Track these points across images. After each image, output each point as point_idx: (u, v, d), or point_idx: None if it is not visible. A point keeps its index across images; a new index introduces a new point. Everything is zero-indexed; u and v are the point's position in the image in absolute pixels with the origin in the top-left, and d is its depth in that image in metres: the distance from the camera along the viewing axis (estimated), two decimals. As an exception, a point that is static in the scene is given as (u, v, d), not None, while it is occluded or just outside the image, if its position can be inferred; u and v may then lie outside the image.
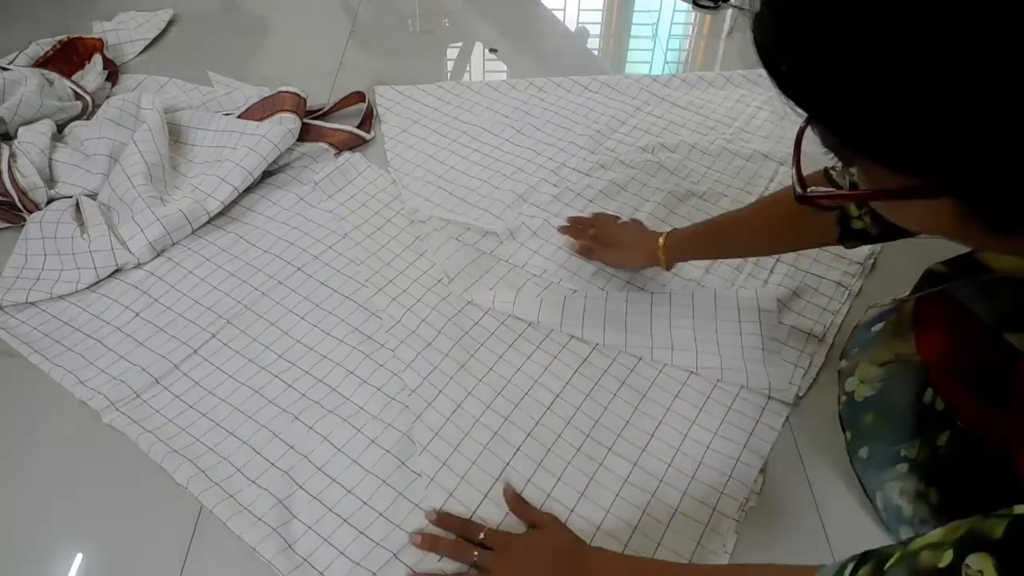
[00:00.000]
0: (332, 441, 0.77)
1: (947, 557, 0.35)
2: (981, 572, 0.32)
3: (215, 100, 1.27)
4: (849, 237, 0.72)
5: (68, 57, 1.34)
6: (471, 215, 1.06)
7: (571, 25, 1.68)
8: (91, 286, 0.94)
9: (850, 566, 0.40)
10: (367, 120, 1.25)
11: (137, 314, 0.91)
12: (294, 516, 0.71)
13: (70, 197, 1.05)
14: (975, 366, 0.63)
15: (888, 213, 0.38)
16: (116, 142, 1.07)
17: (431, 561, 0.68)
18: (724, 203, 1.10)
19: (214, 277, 0.95)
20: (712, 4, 1.70)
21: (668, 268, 0.90)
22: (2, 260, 0.98)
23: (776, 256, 0.99)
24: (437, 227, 1.04)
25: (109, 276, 0.95)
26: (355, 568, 0.67)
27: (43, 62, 1.32)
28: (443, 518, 0.70)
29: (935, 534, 0.37)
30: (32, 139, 1.08)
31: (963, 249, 0.63)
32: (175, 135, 1.17)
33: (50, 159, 1.08)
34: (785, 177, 1.15)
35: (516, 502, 0.72)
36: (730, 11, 1.69)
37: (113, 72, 1.34)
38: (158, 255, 0.98)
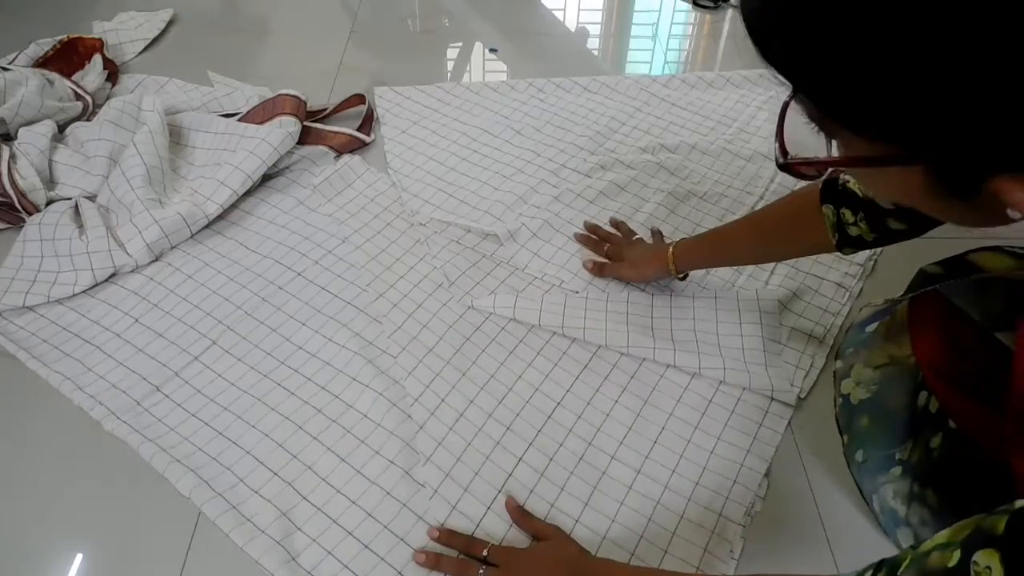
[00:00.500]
0: (336, 451, 0.76)
1: (955, 557, 0.35)
2: (989, 568, 0.33)
3: (215, 100, 1.25)
4: (846, 244, 0.71)
5: (68, 57, 1.32)
6: (471, 217, 1.05)
7: (571, 25, 1.67)
8: (89, 290, 0.93)
9: (867, 574, 0.40)
10: (367, 122, 1.23)
11: (136, 320, 0.89)
12: (298, 528, 0.70)
13: (69, 199, 1.03)
14: (968, 366, 0.63)
15: (865, 182, 0.40)
16: (116, 144, 1.06)
17: None
18: (724, 203, 1.10)
19: (214, 282, 0.94)
20: (712, 4, 1.69)
21: (680, 277, 0.91)
22: (1, 261, 0.97)
23: (776, 258, 0.98)
24: (437, 230, 1.03)
25: (108, 281, 0.94)
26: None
27: (43, 62, 1.30)
28: (446, 535, 0.68)
29: (943, 535, 0.37)
30: (32, 140, 1.07)
31: (957, 250, 0.64)
32: (175, 137, 1.15)
33: (50, 160, 1.07)
34: (786, 178, 1.14)
35: (519, 514, 0.71)
36: (730, 11, 1.68)
37: (113, 72, 1.33)
38: (156, 259, 0.97)
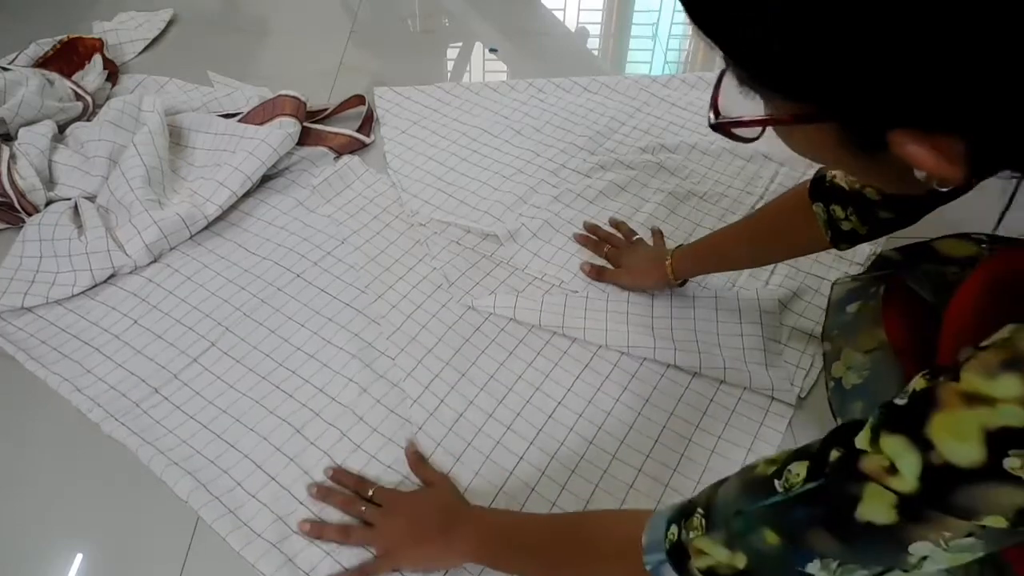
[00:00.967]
0: (333, 455, 0.75)
1: (774, 468, 0.44)
2: (798, 474, 0.42)
3: (215, 100, 1.25)
4: (841, 240, 0.72)
5: (68, 57, 1.31)
6: (471, 217, 1.04)
7: (571, 25, 1.67)
8: (88, 292, 0.92)
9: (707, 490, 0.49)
10: (367, 123, 1.22)
11: (135, 321, 0.89)
12: (294, 531, 0.69)
13: (68, 199, 1.03)
14: (927, 347, 0.63)
15: (789, 143, 0.42)
16: (116, 144, 1.05)
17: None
18: (724, 203, 1.09)
19: (213, 284, 0.93)
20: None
21: (679, 284, 0.91)
22: (0, 261, 0.96)
23: (777, 258, 0.98)
24: (437, 230, 1.02)
25: (107, 283, 0.93)
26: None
27: (43, 62, 1.30)
28: (338, 473, 0.73)
29: (776, 454, 0.46)
30: (32, 140, 1.06)
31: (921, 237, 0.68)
32: (175, 137, 1.15)
33: (50, 160, 1.06)
34: (786, 178, 1.14)
35: (415, 459, 0.74)
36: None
37: (113, 72, 1.32)
38: (155, 260, 0.96)
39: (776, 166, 1.16)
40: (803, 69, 0.34)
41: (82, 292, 0.92)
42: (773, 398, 0.82)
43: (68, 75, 1.25)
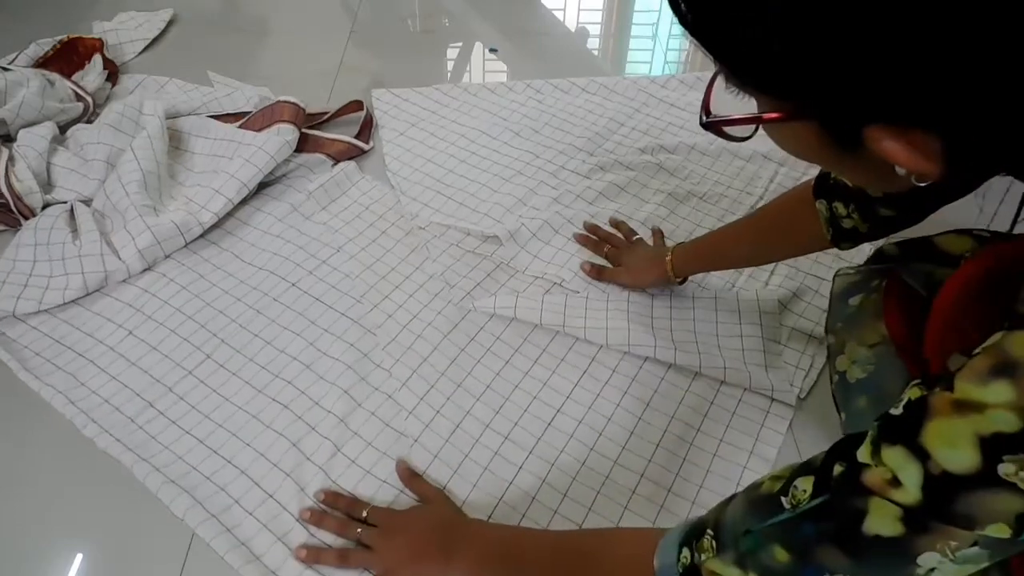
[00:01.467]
0: (328, 471, 0.73)
1: (780, 484, 0.44)
2: (805, 490, 0.42)
3: (215, 100, 1.24)
4: (842, 238, 0.72)
5: (68, 57, 1.31)
6: (471, 219, 1.03)
7: (571, 25, 1.66)
8: (83, 303, 0.90)
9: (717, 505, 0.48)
10: (365, 129, 1.21)
11: (130, 332, 0.87)
12: (292, 555, 0.67)
13: (65, 202, 1.01)
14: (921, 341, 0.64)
15: (775, 140, 0.43)
16: (114, 148, 1.04)
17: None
18: (724, 204, 1.09)
19: (208, 295, 0.92)
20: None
21: (680, 283, 0.91)
22: (-1, 262, 0.96)
23: (777, 258, 0.98)
24: (437, 233, 1.01)
25: (102, 293, 0.91)
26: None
27: (43, 62, 1.29)
28: (331, 496, 0.71)
29: (780, 469, 0.45)
30: (31, 143, 1.05)
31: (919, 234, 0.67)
32: (175, 141, 1.13)
33: (49, 163, 1.05)
34: (785, 178, 1.14)
35: (407, 475, 0.73)
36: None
37: (113, 72, 1.31)
38: (150, 268, 0.94)
39: (776, 166, 1.16)
40: (785, 67, 0.35)
41: (75, 301, 0.90)
42: (773, 399, 0.81)
43: (68, 75, 1.24)
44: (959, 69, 0.31)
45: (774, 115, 0.38)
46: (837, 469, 0.41)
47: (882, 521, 0.38)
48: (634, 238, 0.99)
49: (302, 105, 1.16)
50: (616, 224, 1.02)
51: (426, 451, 0.75)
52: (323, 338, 0.87)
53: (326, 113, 1.23)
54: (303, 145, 1.13)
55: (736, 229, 0.83)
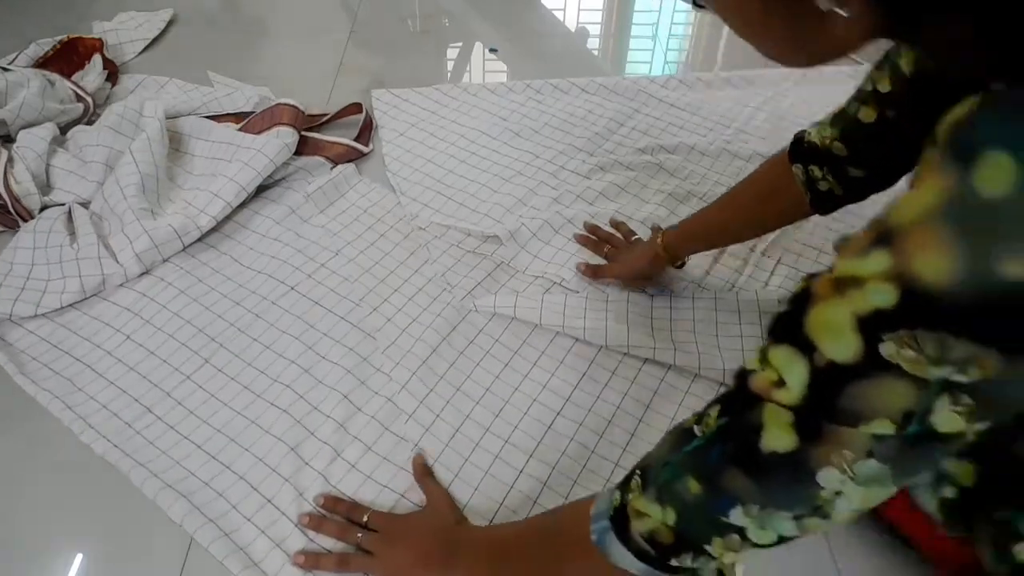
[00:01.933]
0: (328, 476, 0.73)
1: (697, 415, 0.46)
2: (714, 415, 0.44)
3: (215, 100, 1.23)
4: (820, 201, 0.74)
5: (68, 57, 1.30)
6: (471, 219, 1.03)
7: (571, 25, 1.66)
8: (81, 307, 0.89)
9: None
10: (365, 132, 1.20)
11: (128, 337, 0.86)
12: (291, 561, 0.66)
13: (63, 204, 1.01)
14: None
15: (721, 15, 0.43)
16: (113, 150, 1.04)
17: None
18: (724, 205, 1.09)
19: (207, 299, 0.91)
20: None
21: (675, 265, 0.89)
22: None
23: (777, 257, 0.98)
24: (437, 234, 1.00)
25: (100, 297, 0.91)
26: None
27: (43, 62, 1.28)
28: (331, 501, 0.70)
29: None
30: (30, 144, 1.04)
31: None
32: (175, 143, 1.12)
33: (48, 164, 1.04)
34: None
35: (422, 473, 0.72)
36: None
37: (113, 72, 1.31)
38: (148, 272, 0.94)
39: (775, 167, 1.16)
40: None
41: (72, 305, 0.89)
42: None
43: (68, 75, 1.24)
44: None
45: None
46: (735, 384, 0.41)
47: (777, 434, 0.38)
48: (633, 238, 0.99)
49: (302, 108, 1.15)
50: (616, 224, 1.02)
51: (427, 455, 0.75)
52: (322, 342, 0.86)
53: (325, 115, 1.22)
54: (302, 148, 1.12)
55: (720, 204, 0.83)
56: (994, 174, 0.29)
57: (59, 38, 1.33)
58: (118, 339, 0.86)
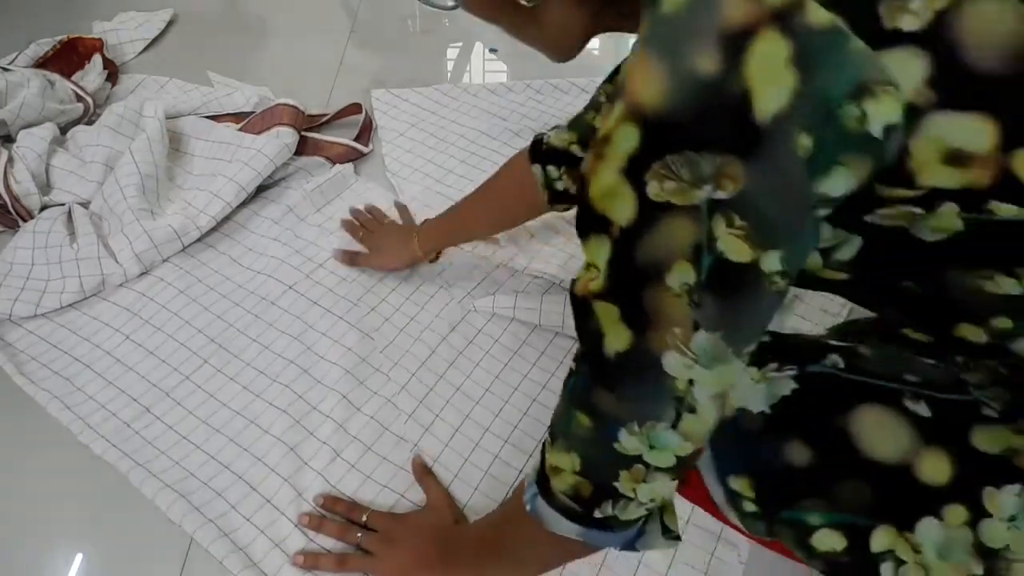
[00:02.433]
0: (327, 476, 0.73)
1: None
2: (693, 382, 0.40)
3: (215, 100, 1.23)
4: (556, 200, 0.79)
5: (68, 57, 1.30)
6: (470, 220, 1.04)
7: (570, 25, 1.66)
8: (80, 308, 0.89)
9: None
10: (365, 132, 1.20)
11: (127, 337, 0.86)
12: (290, 561, 0.67)
13: (63, 204, 1.01)
14: None
15: (479, 14, 0.51)
16: (113, 150, 1.03)
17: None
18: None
19: (206, 299, 0.91)
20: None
21: (430, 259, 0.94)
22: (-3, 263, 0.95)
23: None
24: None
25: (99, 297, 0.91)
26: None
27: (43, 62, 1.28)
28: (330, 501, 0.70)
29: None
30: (31, 144, 1.04)
31: None
32: (175, 143, 1.12)
33: (48, 164, 1.04)
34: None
35: (422, 473, 0.73)
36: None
37: (113, 72, 1.30)
38: (147, 272, 0.94)
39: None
40: None
41: (72, 305, 0.90)
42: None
43: (68, 75, 1.23)
44: None
45: None
46: (570, 300, 0.43)
47: (613, 332, 0.39)
48: (385, 220, 1.01)
49: (301, 108, 1.15)
50: (369, 209, 1.04)
51: (426, 456, 0.75)
52: (321, 342, 0.86)
53: (325, 115, 1.22)
54: (302, 148, 1.12)
55: (471, 201, 0.87)
56: None
57: (59, 38, 1.32)
58: (117, 339, 0.86)
